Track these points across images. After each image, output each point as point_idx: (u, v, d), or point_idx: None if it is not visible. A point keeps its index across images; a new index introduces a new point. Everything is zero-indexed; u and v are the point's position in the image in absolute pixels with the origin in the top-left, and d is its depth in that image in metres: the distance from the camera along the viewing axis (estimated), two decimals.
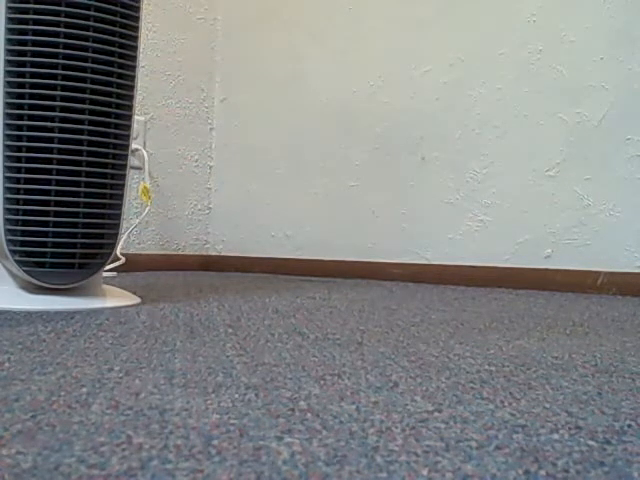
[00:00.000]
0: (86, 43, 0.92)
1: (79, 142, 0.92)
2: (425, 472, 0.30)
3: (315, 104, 2.04)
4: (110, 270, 1.64)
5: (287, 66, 2.12)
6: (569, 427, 0.39)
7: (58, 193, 0.91)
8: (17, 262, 0.91)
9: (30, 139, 0.90)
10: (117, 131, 0.96)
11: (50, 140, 0.90)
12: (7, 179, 0.90)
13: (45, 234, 0.91)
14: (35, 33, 0.89)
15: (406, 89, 1.85)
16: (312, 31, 2.07)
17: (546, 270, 1.60)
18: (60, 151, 0.91)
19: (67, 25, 0.90)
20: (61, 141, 0.91)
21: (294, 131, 2.09)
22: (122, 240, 1.85)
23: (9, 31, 0.89)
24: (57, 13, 0.90)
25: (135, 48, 0.99)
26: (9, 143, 0.89)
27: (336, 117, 1.99)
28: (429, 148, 1.81)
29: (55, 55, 0.90)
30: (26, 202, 0.91)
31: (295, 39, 2.10)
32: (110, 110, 0.95)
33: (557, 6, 1.62)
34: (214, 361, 0.57)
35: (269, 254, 2.13)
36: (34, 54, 0.90)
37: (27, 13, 0.89)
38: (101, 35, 0.93)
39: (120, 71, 0.96)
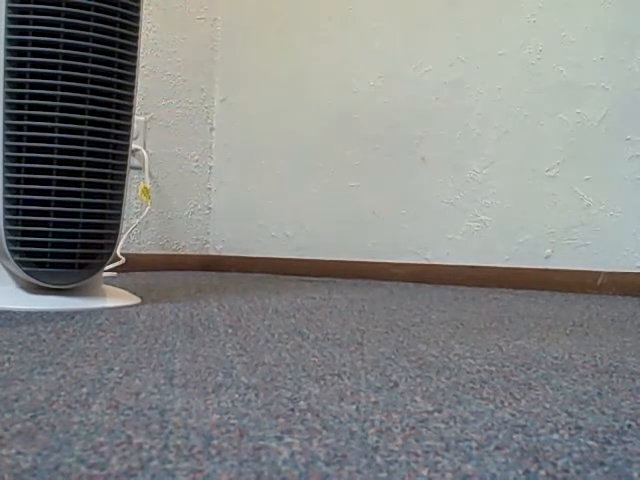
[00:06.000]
0: (86, 43, 0.92)
1: (79, 142, 0.92)
2: (425, 472, 0.30)
3: (315, 104, 2.04)
4: (110, 270, 1.64)
5: (287, 66, 2.12)
6: (569, 427, 0.39)
7: (58, 193, 0.91)
8: (17, 262, 0.91)
9: (30, 139, 0.90)
10: (117, 131, 0.96)
11: (50, 140, 0.90)
12: (7, 179, 0.90)
13: (45, 234, 0.91)
14: (35, 33, 0.89)
15: (406, 89, 1.85)
16: (312, 31, 2.07)
17: (546, 270, 1.60)
18: (60, 151, 0.91)
19: (67, 25, 0.90)
20: (61, 141, 0.91)
21: (294, 131, 2.09)
22: (122, 240, 1.85)
23: (9, 31, 0.88)
24: (57, 13, 0.90)
25: (135, 48, 0.99)
26: (9, 143, 0.89)
27: (336, 117, 1.99)
28: (429, 148, 1.81)
29: (55, 55, 0.90)
30: (26, 202, 0.91)
31: (295, 39, 2.10)
32: (110, 110, 0.95)
33: (557, 6, 1.62)
34: (214, 361, 0.57)
35: (269, 254, 2.13)
36: (34, 54, 0.90)
37: (27, 13, 0.89)
38: (101, 35, 0.93)
39: (120, 71, 0.96)
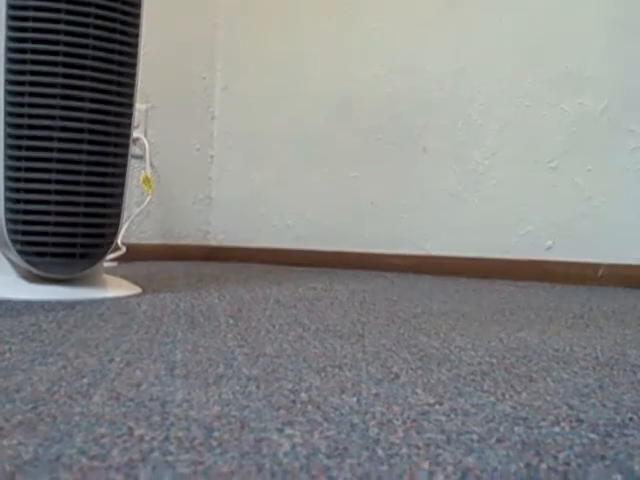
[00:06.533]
0: (87, 30, 0.91)
1: (80, 130, 0.92)
2: (426, 465, 0.30)
3: (317, 94, 2.04)
4: (111, 260, 1.64)
5: (289, 55, 2.11)
6: (570, 420, 0.39)
7: (59, 182, 0.91)
8: (18, 252, 0.91)
9: (31, 128, 0.90)
10: (118, 119, 0.96)
11: (51, 129, 0.90)
12: (9, 168, 0.90)
13: (46, 224, 0.91)
14: (36, 19, 0.89)
15: (408, 79, 1.85)
16: (314, 20, 2.05)
17: (547, 262, 1.59)
18: (61, 140, 0.91)
19: (68, 12, 0.90)
20: (62, 129, 0.91)
21: (296, 121, 2.09)
22: (123, 230, 1.85)
23: (10, 12, 0.88)
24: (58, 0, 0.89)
25: (136, 36, 0.98)
26: (11, 132, 0.89)
27: (338, 107, 1.99)
28: (430, 138, 1.80)
29: (56, 42, 0.89)
30: (27, 191, 0.91)
31: (297, 27, 2.09)
32: (111, 98, 0.95)
33: None
34: (215, 352, 0.57)
35: (270, 244, 2.13)
36: (35, 41, 0.89)
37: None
38: (102, 22, 0.93)
39: (121, 59, 0.96)
